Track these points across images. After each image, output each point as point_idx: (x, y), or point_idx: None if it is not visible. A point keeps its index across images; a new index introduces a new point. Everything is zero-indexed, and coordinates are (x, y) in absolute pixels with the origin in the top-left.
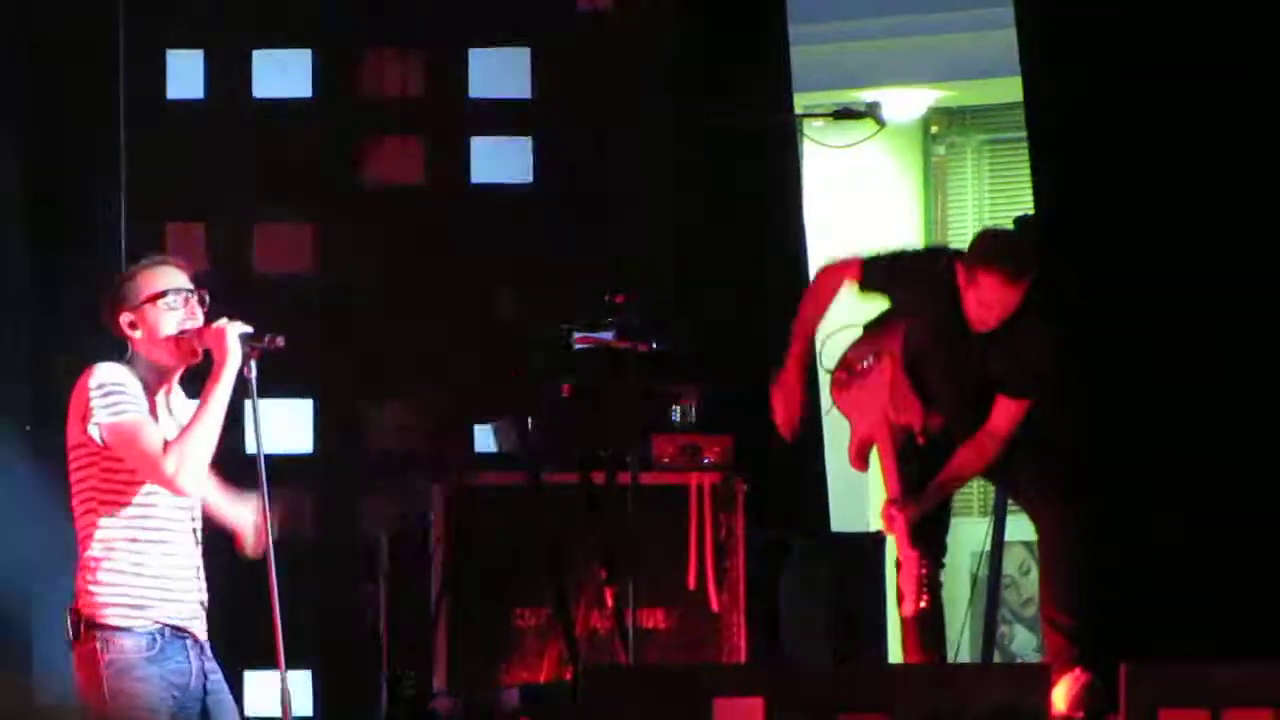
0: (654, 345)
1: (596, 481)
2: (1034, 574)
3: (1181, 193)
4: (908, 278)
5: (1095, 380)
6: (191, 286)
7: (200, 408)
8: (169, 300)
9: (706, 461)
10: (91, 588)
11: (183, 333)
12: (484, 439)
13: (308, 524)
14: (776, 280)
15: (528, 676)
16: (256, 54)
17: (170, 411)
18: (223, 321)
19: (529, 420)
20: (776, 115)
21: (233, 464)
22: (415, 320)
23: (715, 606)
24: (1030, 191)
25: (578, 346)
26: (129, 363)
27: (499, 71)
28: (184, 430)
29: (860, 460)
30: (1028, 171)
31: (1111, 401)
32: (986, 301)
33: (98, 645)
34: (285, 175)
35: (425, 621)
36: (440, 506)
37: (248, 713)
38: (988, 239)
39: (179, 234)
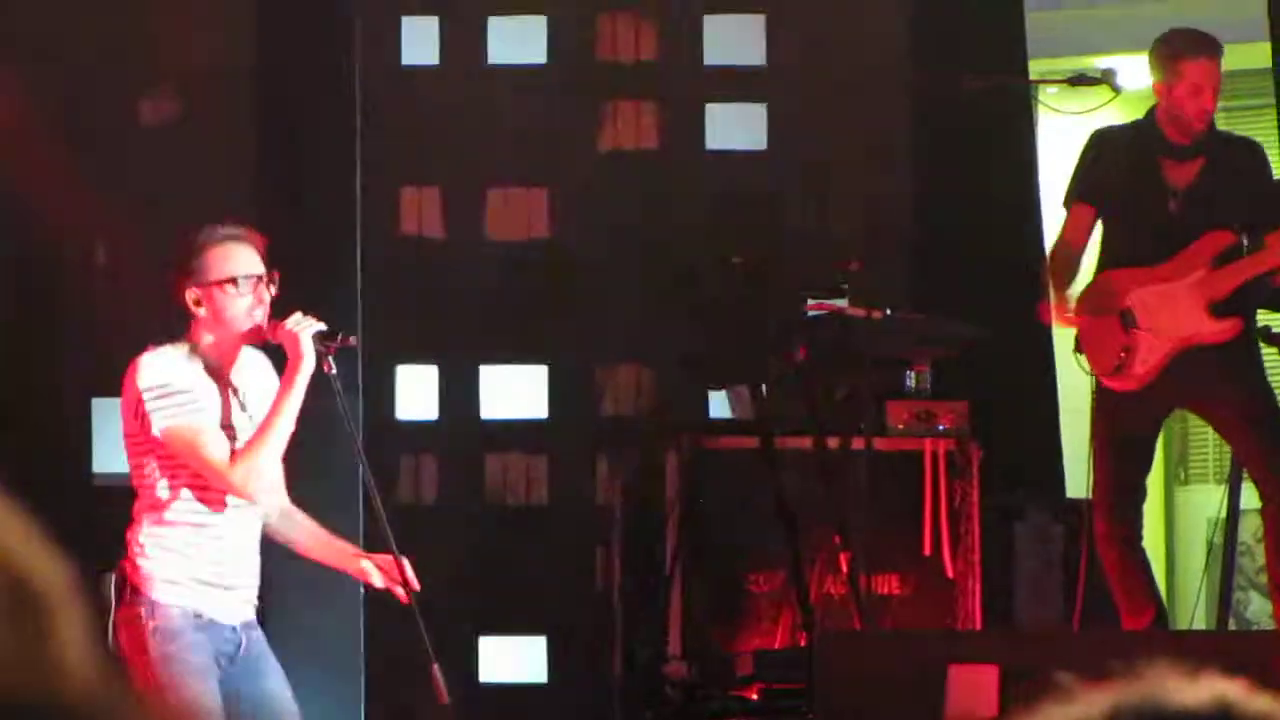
0: (888, 311)
1: (830, 447)
2: None
3: None
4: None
5: None
6: (263, 270)
7: (271, 414)
8: (240, 288)
9: (941, 428)
10: (141, 560)
11: (253, 327)
12: (717, 405)
13: (541, 489)
14: (1010, 246)
15: (761, 642)
16: (491, 20)
17: (234, 389)
18: (295, 320)
19: (762, 386)
20: (1011, 81)
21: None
22: (649, 285)
23: (950, 573)
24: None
25: (811, 313)
26: (188, 339)
27: (733, 38)
28: (253, 440)
29: None
30: (1268, 139)
31: None
32: (1199, 86)
33: (142, 611)
34: (518, 140)
35: (659, 587)
36: (674, 472)
37: (482, 679)
38: (1173, 34)
39: (412, 198)
